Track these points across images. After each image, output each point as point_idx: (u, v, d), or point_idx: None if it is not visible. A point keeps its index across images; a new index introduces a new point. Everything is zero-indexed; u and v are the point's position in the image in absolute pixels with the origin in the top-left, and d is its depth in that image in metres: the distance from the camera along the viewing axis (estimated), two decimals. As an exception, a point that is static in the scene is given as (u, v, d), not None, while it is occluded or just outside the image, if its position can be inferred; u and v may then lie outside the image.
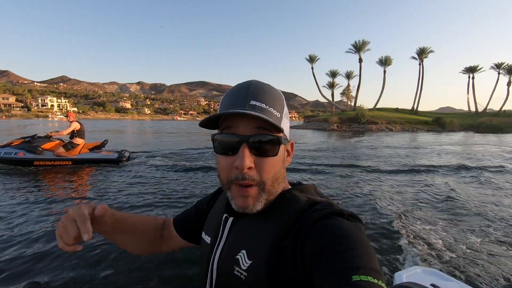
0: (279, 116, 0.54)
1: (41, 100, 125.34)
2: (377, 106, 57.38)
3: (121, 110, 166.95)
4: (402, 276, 1.34)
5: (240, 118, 0.53)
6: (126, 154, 8.47)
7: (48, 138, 7.54)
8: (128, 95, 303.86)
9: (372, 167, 8.33)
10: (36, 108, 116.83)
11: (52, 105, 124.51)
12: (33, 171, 6.83)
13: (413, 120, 41.64)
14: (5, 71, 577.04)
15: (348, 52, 55.39)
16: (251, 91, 0.54)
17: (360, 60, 53.68)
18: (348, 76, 64.97)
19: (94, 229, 0.57)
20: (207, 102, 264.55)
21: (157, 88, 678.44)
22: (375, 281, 0.40)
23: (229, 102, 0.55)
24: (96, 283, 2.44)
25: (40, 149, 7.21)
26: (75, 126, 7.66)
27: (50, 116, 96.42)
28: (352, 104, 65.26)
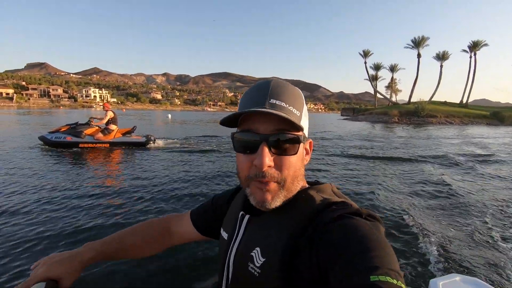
0: (298, 114, 0.54)
1: (85, 91, 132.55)
2: (424, 100, 57.20)
3: (153, 101, 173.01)
4: (437, 284, 1.23)
5: (260, 117, 0.53)
6: (152, 138, 9.82)
7: (88, 124, 9.00)
8: (156, 86, 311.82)
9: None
10: (81, 99, 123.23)
11: (94, 96, 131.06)
12: (78, 152, 8.29)
13: (471, 114, 41.68)
14: (43, 63, 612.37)
15: (407, 47, 55.43)
16: (272, 89, 0.54)
17: (419, 55, 53.95)
18: (392, 69, 63.71)
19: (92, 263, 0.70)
20: (232, 93, 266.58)
21: (182, 79, 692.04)
22: (394, 281, 0.38)
23: (249, 100, 0.55)
24: (101, 281, 2.29)
25: (83, 134, 8.74)
26: (110, 114, 9.07)
27: (94, 106, 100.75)
28: (395, 97, 64.55)
